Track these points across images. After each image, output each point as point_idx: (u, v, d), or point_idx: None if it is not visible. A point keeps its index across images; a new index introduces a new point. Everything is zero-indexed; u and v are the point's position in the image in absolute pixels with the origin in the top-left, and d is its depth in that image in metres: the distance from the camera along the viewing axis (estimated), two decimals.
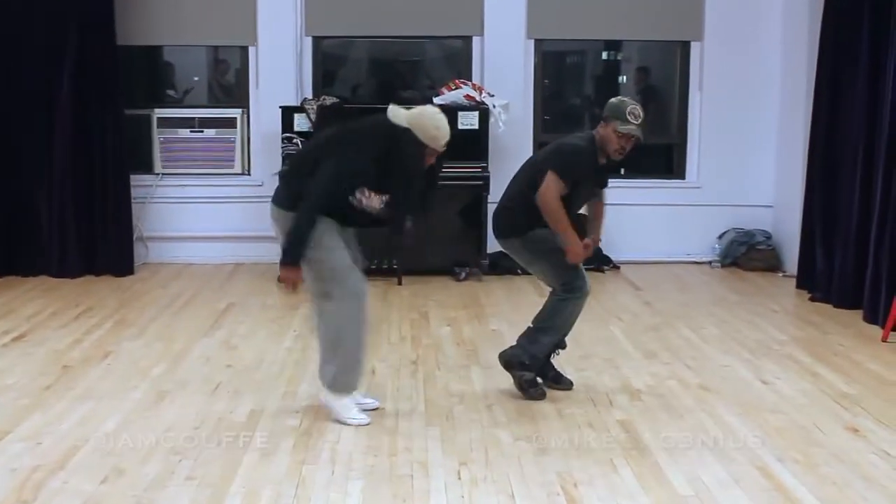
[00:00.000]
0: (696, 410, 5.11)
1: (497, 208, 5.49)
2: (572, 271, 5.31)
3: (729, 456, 4.47)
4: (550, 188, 5.13)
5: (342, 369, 4.89)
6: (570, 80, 10.42)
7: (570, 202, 5.26)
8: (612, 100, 5.32)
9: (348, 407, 4.91)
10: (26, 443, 4.59)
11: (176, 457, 4.43)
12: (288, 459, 4.40)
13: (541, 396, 5.29)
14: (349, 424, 4.82)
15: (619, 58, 10.30)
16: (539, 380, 5.37)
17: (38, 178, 8.47)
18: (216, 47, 9.49)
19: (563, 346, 5.52)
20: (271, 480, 4.17)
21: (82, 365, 5.87)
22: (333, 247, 4.83)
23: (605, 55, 10.28)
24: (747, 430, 4.80)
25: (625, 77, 10.31)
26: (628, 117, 5.15)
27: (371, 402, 5.09)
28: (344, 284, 4.85)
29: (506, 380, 5.50)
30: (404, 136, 4.79)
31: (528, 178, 5.33)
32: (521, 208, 5.31)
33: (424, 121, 4.82)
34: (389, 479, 4.21)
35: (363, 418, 4.88)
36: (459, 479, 4.20)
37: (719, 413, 5.06)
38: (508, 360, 5.38)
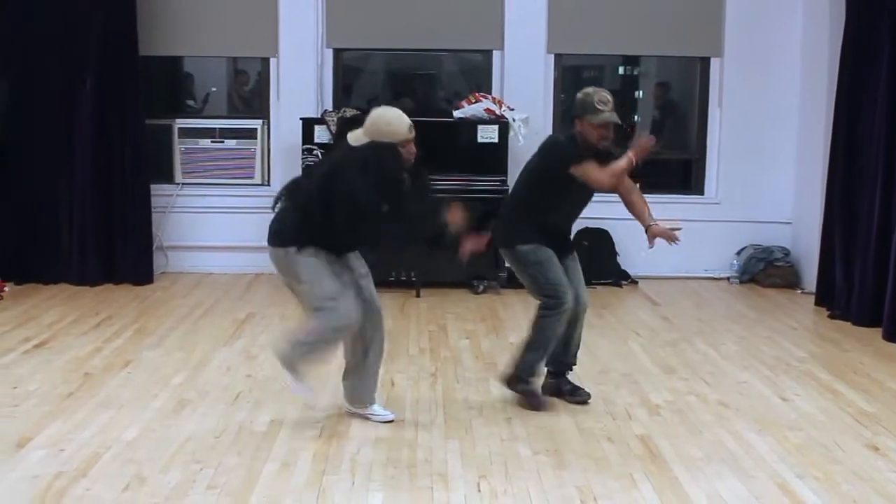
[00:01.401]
0: (714, 426, 5.10)
1: (497, 218, 5.56)
2: (553, 286, 5.28)
3: (748, 472, 4.47)
4: (590, 174, 5.16)
5: (307, 351, 4.93)
6: None
7: (565, 199, 5.27)
8: (578, 95, 5.29)
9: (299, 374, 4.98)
10: (48, 450, 4.62)
11: (197, 465, 4.45)
12: (308, 469, 4.42)
13: (543, 406, 5.32)
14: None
15: (636, 73, 10.33)
16: (538, 391, 5.42)
17: (60, 187, 8.54)
18: (236, 58, 9.56)
19: (572, 364, 5.53)
20: (292, 490, 4.19)
21: (103, 373, 5.91)
22: (316, 278, 4.83)
23: (622, 70, 10.30)
24: (766, 447, 4.80)
25: (641, 92, 10.33)
26: (598, 106, 5.14)
27: (387, 415, 5.10)
28: (332, 313, 4.84)
29: None
30: (373, 150, 4.78)
31: (522, 185, 5.41)
32: (514, 219, 5.38)
33: (376, 126, 4.82)
34: (410, 490, 4.22)
35: (307, 393, 5.03)
36: (479, 491, 4.21)
37: (738, 429, 5.05)
38: (507, 380, 5.44)
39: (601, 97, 5.16)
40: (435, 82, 9.89)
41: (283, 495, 4.14)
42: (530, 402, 5.34)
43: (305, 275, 4.82)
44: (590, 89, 5.27)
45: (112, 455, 4.56)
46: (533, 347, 5.34)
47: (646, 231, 5.44)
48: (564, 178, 5.18)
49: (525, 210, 5.38)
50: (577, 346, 5.50)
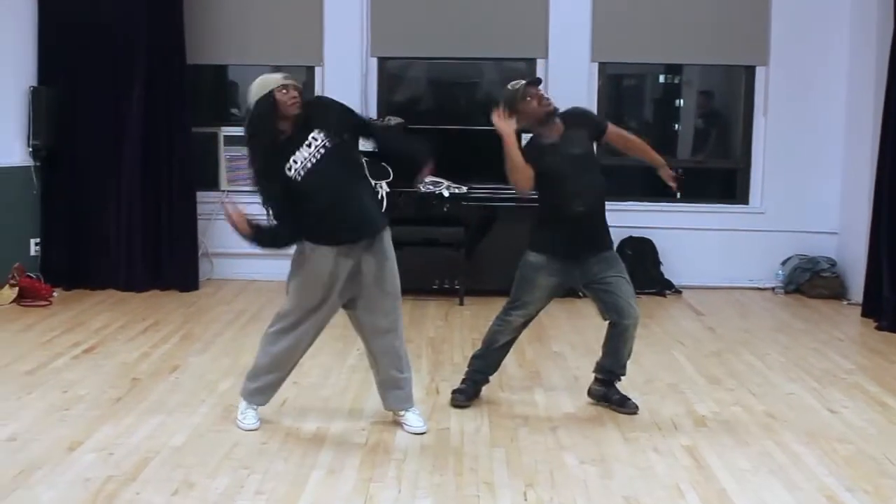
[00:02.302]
0: (762, 438, 5.07)
1: None
2: (514, 300, 5.43)
3: (797, 485, 4.43)
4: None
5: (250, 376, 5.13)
6: (628, 103, 10.39)
7: (555, 186, 5.26)
8: (504, 97, 5.30)
9: (244, 411, 5.13)
10: (98, 454, 4.67)
11: (244, 471, 4.48)
12: (355, 476, 4.44)
13: (462, 404, 5.46)
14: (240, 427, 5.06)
15: (678, 81, 10.28)
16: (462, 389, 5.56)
17: (108, 193, 8.65)
18: (281, 67, 9.60)
19: (621, 374, 5.53)
20: (339, 497, 4.21)
21: (151, 378, 5.97)
22: (303, 284, 4.94)
23: (664, 78, 10.25)
24: (815, 460, 4.76)
25: (682, 100, 10.28)
26: (512, 88, 5.24)
27: (416, 426, 5.06)
28: (295, 327, 4.97)
29: (569, 402, 5.59)
30: (254, 111, 4.82)
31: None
32: (533, 227, 5.51)
33: (252, 93, 4.85)
34: (456, 498, 4.23)
35: (252, 424, 5.07)
36: (526, 500, 4.21)
37: (786, 441, 5.01)
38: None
39: (510, 86, 5.27)
40: (476, 91, 9.89)
41: (330, 502, 4.16)
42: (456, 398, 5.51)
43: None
44: (505, 89, 5.34)
45: (161, 460, 4.61)
46: (478, 355, 5.64)
47: (659, 172, 5.51)
48: (539, 175, 5.21)
49: (536, 217, 5.49)
50: (628, 357, 5.47)
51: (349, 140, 4.92)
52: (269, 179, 4.82)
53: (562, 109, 5.32)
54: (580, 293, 7.64)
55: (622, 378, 5.55)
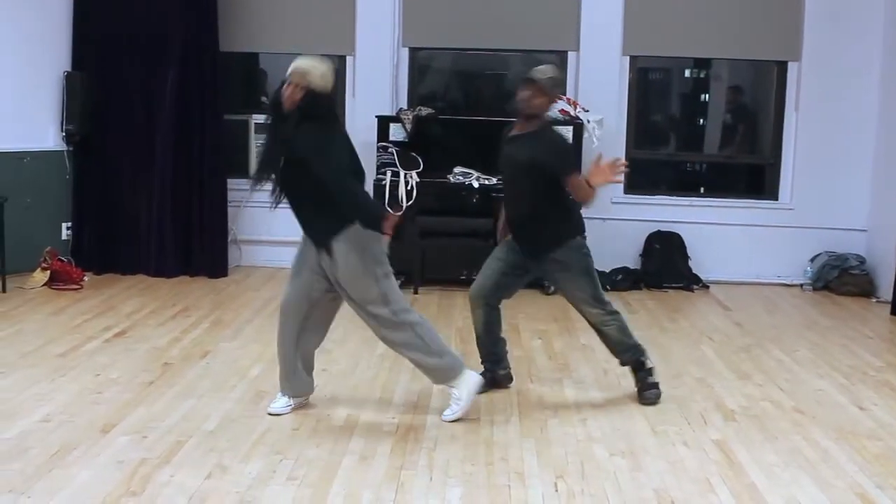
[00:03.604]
0: (791, 433, 5.06)
1: None
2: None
3: (827, 481, 4.43)
4: None
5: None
6: (655, 97, 10.35)
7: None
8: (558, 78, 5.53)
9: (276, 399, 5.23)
10: (131, 436, 4.72)
11: (277, 456, 4.52)
12: (386, 464, 4.47)
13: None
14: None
15: (703, 75, 10.23)
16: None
17: (140, 180, 8.71)
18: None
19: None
20: (371, 484, 4.24)
21: (182, 363, 6.02)
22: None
23: (689, 72, 10.21)
24: (845, 456, 4.75)
25: (707, 95, 10.25)
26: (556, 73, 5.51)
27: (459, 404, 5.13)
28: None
29: (599, 394, 5.61)
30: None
31: None
32: None
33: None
34: (487, 487, 4.25)
35: (279, 409, 5.15)
36: (556, 491, 4.22)
37: (815, 437, 5.01)
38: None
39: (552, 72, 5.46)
40: (507, 82, 9.89)
41: (362, 488, 4.19)
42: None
43: None
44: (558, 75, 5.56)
45: (194, 443, 4.65)
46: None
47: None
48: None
49: (563, 204, 5.51)
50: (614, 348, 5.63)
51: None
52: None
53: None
54: (607, 285, 7.64)
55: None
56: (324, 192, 4.75)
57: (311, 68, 4.85)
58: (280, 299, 5.22)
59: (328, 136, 4.83)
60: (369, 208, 4.92)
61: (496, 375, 5.67)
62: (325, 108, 4.89)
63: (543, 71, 5.35)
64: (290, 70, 4.86)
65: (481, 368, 5.59)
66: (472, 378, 5.13)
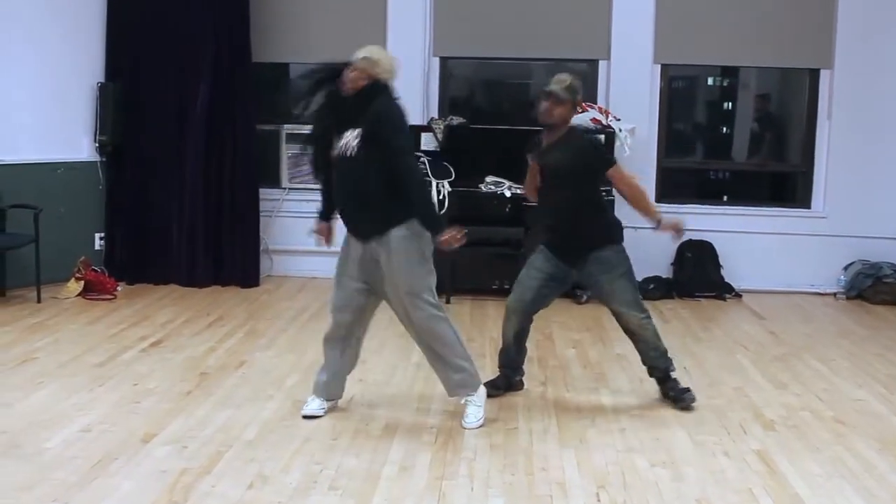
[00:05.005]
0: (832, 444, 5.02)
1: None
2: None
3: (871, 491, 4.39)
4: None
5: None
6: (682, 105, 10.30)
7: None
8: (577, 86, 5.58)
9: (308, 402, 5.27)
10: (172, 446, 4.74)
11: (317, 467, 4.52)
12: (426, 474, 4.46)
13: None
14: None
15: (734, 84, 10.17)
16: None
17: (172, 189, 8.75)
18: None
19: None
20: (412, 494, 4.23)
21: (218, 372, 6.04)
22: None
23: (716, 80, 10.16)
24: (888, 466, 4.71)
25: (738, 103, 10.20)
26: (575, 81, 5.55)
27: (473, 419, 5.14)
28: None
29: (636, 404, 5.61)
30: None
31: None
32: None
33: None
34: (528, 498, 4.23)
35: (310, 411, 5.21)
36: (599, 501, 4.20)
37: (857, 447, 4.97)
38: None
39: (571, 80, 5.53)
40: (534, 92, 9.88)
41: (404, 498, 4.19)
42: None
43: None
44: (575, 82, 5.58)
45: (234, 453, 4.66)
46: None
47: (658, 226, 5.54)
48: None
49: (601, 212, 5.70)
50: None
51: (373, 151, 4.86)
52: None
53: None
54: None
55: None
56: (390, 179, 4.80)
57: (383, 59, 4.89)
58: (329, 303, 5.32)
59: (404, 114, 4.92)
60: (434, 206, 4.96)
61: (512, 380, 5.75)
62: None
63: (559, 80, 5.41)
64: (358, 54, 4.86)
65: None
66: (484, 392, 5.25)
